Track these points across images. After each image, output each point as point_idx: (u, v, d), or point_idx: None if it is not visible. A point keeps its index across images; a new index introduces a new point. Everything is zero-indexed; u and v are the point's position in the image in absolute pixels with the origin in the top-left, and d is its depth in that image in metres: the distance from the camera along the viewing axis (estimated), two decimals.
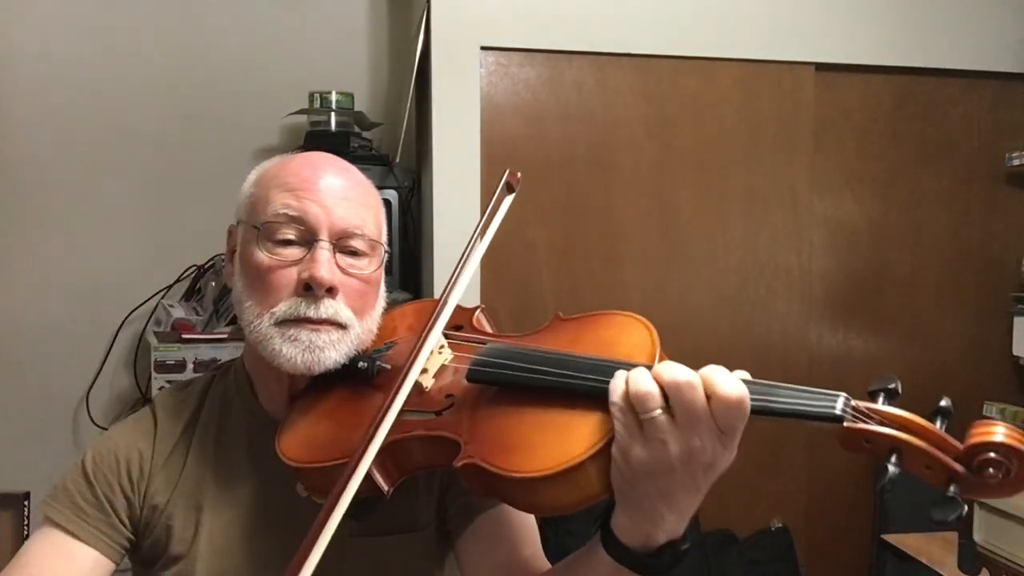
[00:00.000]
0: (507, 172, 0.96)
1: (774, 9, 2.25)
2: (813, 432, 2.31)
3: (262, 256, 0.93)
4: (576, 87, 2.20)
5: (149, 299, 2.45)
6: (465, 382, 0.86)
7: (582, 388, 0.77)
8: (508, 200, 0.96)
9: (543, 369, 0.80)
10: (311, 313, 0.91)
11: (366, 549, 0.97)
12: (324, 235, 0.93)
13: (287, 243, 0.93)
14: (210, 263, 2.46)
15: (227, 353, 2.17)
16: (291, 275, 0.92)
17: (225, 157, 2.52)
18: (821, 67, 2.30)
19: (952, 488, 0.66)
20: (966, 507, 0.65)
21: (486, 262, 2.14)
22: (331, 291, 0.92)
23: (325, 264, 0.91)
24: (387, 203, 2.38)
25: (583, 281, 2.22)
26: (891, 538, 2.34)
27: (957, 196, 2.44)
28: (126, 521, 0.99)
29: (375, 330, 1.00)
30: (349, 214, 0.95)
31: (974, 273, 2.46)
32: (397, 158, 2.40)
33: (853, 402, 0.70)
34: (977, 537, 2.39)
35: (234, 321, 2.34)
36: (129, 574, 1.06)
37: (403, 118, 2.37)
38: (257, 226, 0.95)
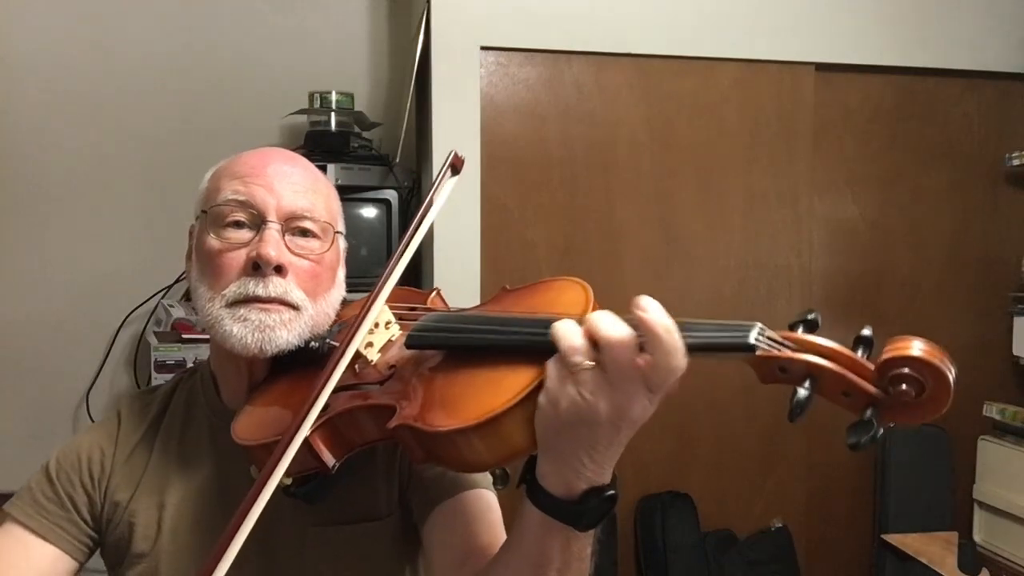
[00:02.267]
0: (452, 153, 0.95)
1: (774, 9, 2.25)
2: (813, 430, 2.31)
3: (212, 241, 0.94)
4: (576, 87, 2.20)
5: (149, 299, 2.45)
6: (407, 352, 0.87)
7: (509, 343, 0.77)
8: (451, 182, 0.96)
9: (474, 328, 0.82)
10: (260, 291, 0.91)
11: (326, 538, 0.97)
12: (272, 216, 0.93)
13: (237, 226, 0.94)
14: None
15: None
16: (241, 256, 0.93)
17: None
18: (821, 67, 2.30)
19: (868, 412, 0.65)
20: (881, 430, 0.64)
21: (486, 262, 2.14)
22: (280, 270, 0.92)
23: (272, 242, 0.92)
24: (387, 203, 2.39)
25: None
26: (891, 538, 2.34)
27: (957, 196, 2.44)
28: (87, 518, 1.00)
29: (332, 314, 0.99)
30: (298, 197, 0.96)
31: (974, 273, 2.46)
32: (397, 158, 2.40)
33: (768, 332, 0.69)
34: (977, 537, 2.39)
35: None
36: None
37: (403, 118, 2.37)
38: (206, 211, 0.96)
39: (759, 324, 0.70)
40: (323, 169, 2.24)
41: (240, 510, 0.77)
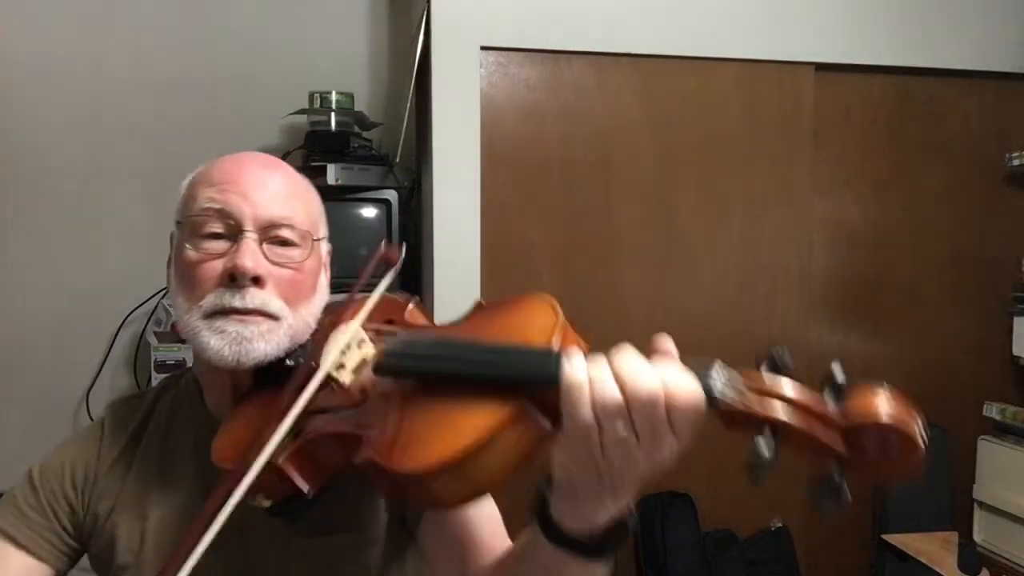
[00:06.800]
0: (381, 247, 0.94)
1: (774, 9, 2.25)
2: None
3: (189, 252, 0.92)
4: (576, 87, 2.20)
5: (149, 299, 2.45)
6: (375, 376, 0.84)
7: (481, 375, 0.73)
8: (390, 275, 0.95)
9: (446, 355, 0.78)
10: (237, 303, 0.90)
11: (310, 549, 0.96)
12: (249, 225, 0.91)
13: (214, 237, 0.92)
14: None
15: None
16: (217, 267, 0.91)
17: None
18: (821, 67, 2.30)
19: (836, 473, 0.61)
20: (848, 494, 0.61)
21: (486, 262, 2.14)
22: (258, 281, 0.90)
23: (249, 253, 0.90)
24: (387, 203, 2.39)
25: (583, 281, 2.22)
26: (891, 538, 2.34)
27: (957, 196, 2.44)
28: (69, 528, 0.99)
29: (312, 322, 0.97)
30: (275, 204, 0.93)
31: (974, 273, 2.46)
32: (397, 158, 2.40)
33: (728, 373, 0.66)
34: (977, 537, 2.39)
35: None
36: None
37: (403, 118, 2.37)
38: (182, 222, 0.95)
39: (717, 363, 0.66)
40: (323, 169, 2.26)
41: (186, 539, 0.75)
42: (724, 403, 0.64)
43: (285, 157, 2.41)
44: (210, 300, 0.90)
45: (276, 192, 0.95)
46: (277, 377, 0.92)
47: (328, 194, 2.64)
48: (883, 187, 2.40)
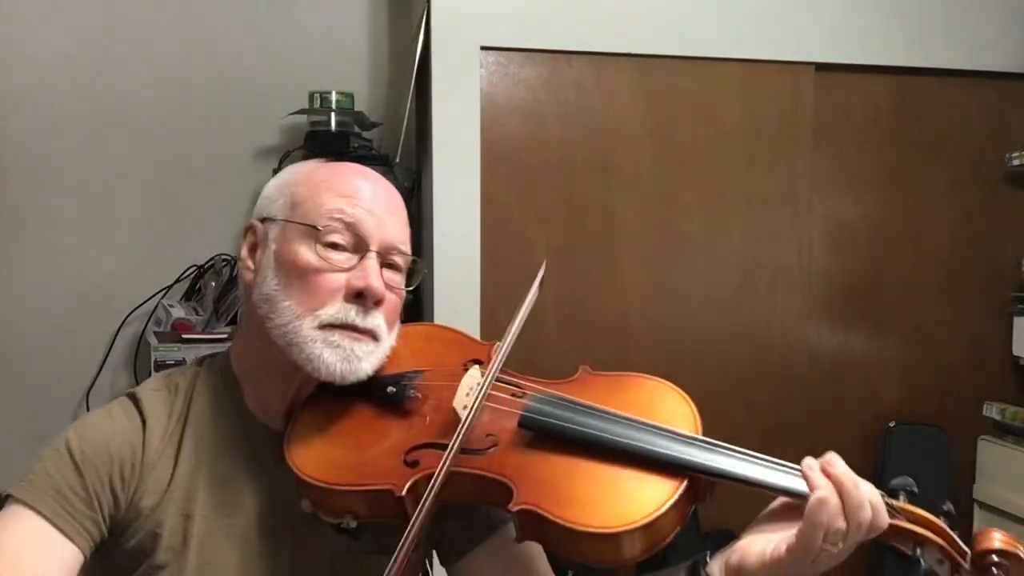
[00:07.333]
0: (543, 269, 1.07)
1: (774, 9, 2.25)
2: (813, 430, 2.32)
3: (310, 256, 0.92)
4: (576, 87, 2.20)
5: (149, 299, 2.45)
6: (507, 424, 0.89)
7: (637, 451, 0.83)
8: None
9: (605, 426, 0.86)
10: (359, 321, 0.92)
11: (357, 567, 0.96)
12: (375, 246, 0.93)
13: (336, 247, 0.93)
14: (210, 263, 2.46)
15: None
16: (339, 280, 0.92)
17: (225, 157, 2.53)
18: (821, 67, 2.30)
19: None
20: None
21: (486, 262, 2.14)
22: (379, 303, 0.93)
23: (377, 275, 0.93)
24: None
25: (583, 281, 2.22)
26: None
27: (957, 196, 2.44)
28: (107, 519, 0.94)
29: (395, 347, 1.00)
30: (396, 229, 0.97)
31: (974, 273, 2.46)
32: (397, 158, 2.40)
33: (887, 500, 0.81)
34: None
35: (234, 321, 2.34)
36: None
37: (403, 118, 2.37)
38: (308, 225, 0.94)
39: (878, 492, 0.82)
40: None
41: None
42: (893, 525, 0.82)
43: (285, 157, 2.42)
44: (330, 312, 0.91)
45: (400, 217, 0.98)
46: (350, 392, 0.95)
47: None
48: (883, 187, 2.40)
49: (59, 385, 2.48)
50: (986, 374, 2.46)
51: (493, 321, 2.10)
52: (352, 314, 0.91)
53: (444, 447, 0.86)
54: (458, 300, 2.11)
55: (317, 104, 2.41)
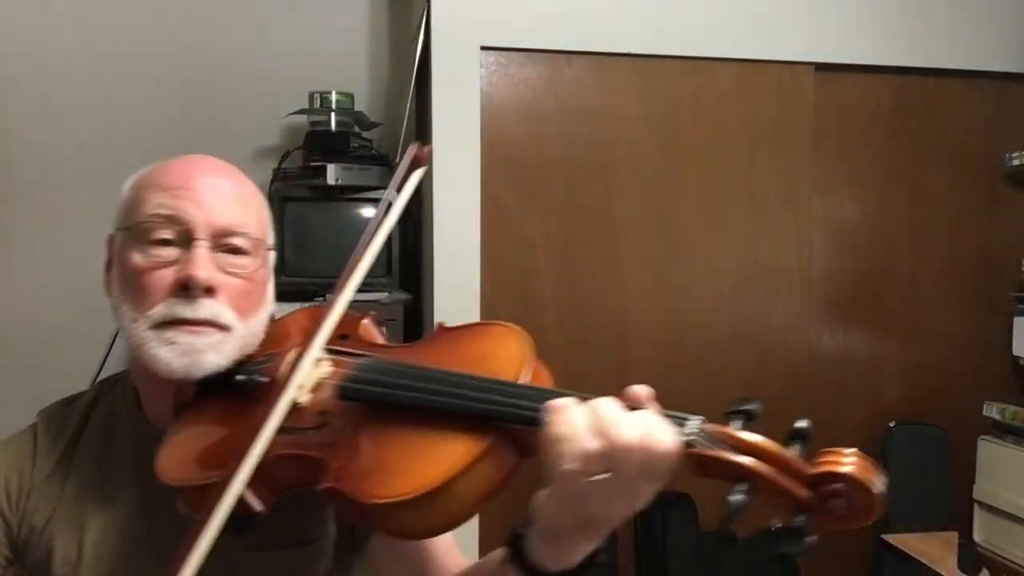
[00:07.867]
0: (415, 147, 0.92)
1: (774, 9, 2.25)
2: (814, 429, 2.31)
3: (137, 258, 0.89)
4: (576, 87, 2.20)
5: None
6: (339, 399, 0.82)
7: (444, 406, 0.74)
8: (417, 174, 0.93)
9: (418, 386, 0.77)
10: (188, 314, 0.87)
11: (255, 565, 0.93)
12: (202, 233, 0.89)
13: (164, 243, 0.89)
14: None
15: None
16: (167, 276, 0.88)
17: (225, 157, 2.49)
18: (821, 67, 2.30)
19: (800, 518, 0.64)
20: (808, 539, 0.64)
21: (486, 262, 2.14)
22: (210, 291, 0.88)
23: (202, 262, 0.87)
24: (387, 203, 2.38)
25: (583, 281, 2.22)
26: (891, 538, 2.34)
27: (957, 196, 2.44)
28: (3, 539, 0.95)
29: (261, 333, 0.95)
30: (228, 212, 0.91)
31: (974, 273, 2.46)
32: (397, 158, 2.40)
33: (707, 427, 0.68)
34: (977, 537, 2.39)
35: None
36: None
37: (403, 118, 2.37)
38: (132, 227, 0.91)
39: (700, 417, 0.69)
40: (323, 169, 2.26)
41: (173, 565, 0.73)
42: (697, 452, 0.66)
43: (285, 157, 2.42)
44: (160, 310, 0.87)
45: (229, 198, 0.92)
46: (219, 388, 0.90)
47: (328, 194, 2.62)
48: (883, 187, 2.40)
49: (59, 385, 2.46)
50: (986, 374, 2.46)
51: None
52: (179, 308, 0.87)
53: (285, 431, 0.80)
54: (458, 299, 2.11)
55: (317, 104, 2.41)
